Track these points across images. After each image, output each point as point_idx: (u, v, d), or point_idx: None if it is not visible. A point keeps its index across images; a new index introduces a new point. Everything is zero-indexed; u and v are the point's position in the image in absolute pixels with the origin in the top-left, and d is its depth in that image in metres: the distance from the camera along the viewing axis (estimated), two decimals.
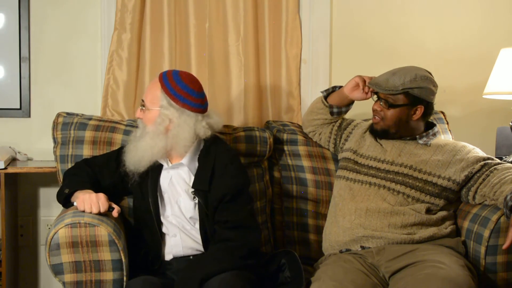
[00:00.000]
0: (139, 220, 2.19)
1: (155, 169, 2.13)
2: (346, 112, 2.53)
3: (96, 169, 2.18)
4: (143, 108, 2.11)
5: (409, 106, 2.25)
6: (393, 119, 2.27)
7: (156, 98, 2.08)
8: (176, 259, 2.11)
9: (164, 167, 2.15)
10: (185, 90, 2.08)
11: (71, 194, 2.05)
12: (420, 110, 2.25)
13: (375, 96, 2.33)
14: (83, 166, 2.19)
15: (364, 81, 2.40)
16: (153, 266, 2.10)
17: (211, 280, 1.89)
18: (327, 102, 2.49)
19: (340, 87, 2.50)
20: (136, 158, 2.09)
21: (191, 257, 2.11)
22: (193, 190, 2.09)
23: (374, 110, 2.31)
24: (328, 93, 2.51)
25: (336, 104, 2.49)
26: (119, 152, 2.19)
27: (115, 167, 2.17)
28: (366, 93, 2.40)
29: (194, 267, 1.95)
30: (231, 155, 2.15)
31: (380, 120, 2.29)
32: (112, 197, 2.07)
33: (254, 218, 2.12)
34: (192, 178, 2.11)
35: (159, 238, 2.11)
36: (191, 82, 2.11)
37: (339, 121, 2.54)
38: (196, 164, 2.12)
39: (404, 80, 2.22)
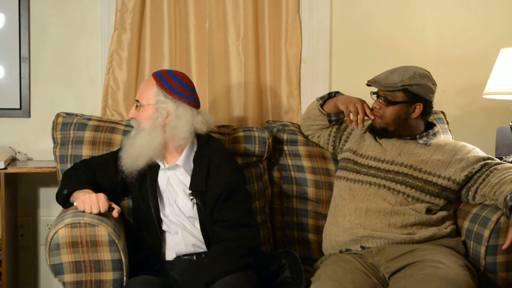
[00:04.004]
0: (139, 221, 2.19)
1: (153, 170, 2.14)
2: (344, 117, 2.51)
3: (94, 170, 2.18)
4: (138, 106, 2.12)
5: (408, 104, 2.24)
6: (392, 117, 2.26)
7: (152, 94, 2.10)
8: (179, 258, 2.11)
9: (161, 168, 2.16)
10: (180, 85, 2.12)
11: (69, 195, 2.05)
12: (419, 108, 2.25)
13: (375, 95, 2.33)
14: (81, 167, 2.19)
15: (357, 113, 2.27)
16: (155, 267, 2.10)
17: (215, 284, 1.89)
18: (324, 110, 2.48)
19: (337, 93, 2.49)
20: (134, 155, 2.09)
21: (194, 256, 2.11)
22: (190, 191, 2.09)
23: (373, 108, 2.31)
24: (324, 100, 2.50)
25: (334, 112, 2.48)
26: (117, 156, 2.18)
27: (114, 171, 2.17)
28: (351, 122, 2.29)
29: (197, 271, 1.95)
30: (224, 154, 2.16)
31: (379, 118, 2.29)
32: (112, 198, 2.06)
33: (252, 216, 2.12)
34: (189, 178, 2.11)
35: (160, 238, 2.11)
36: (185, 78, 2.17)
37: (338, 123, 2.54)
38: (192, 165, 2.13)
39: (403, 77, 2.22)
